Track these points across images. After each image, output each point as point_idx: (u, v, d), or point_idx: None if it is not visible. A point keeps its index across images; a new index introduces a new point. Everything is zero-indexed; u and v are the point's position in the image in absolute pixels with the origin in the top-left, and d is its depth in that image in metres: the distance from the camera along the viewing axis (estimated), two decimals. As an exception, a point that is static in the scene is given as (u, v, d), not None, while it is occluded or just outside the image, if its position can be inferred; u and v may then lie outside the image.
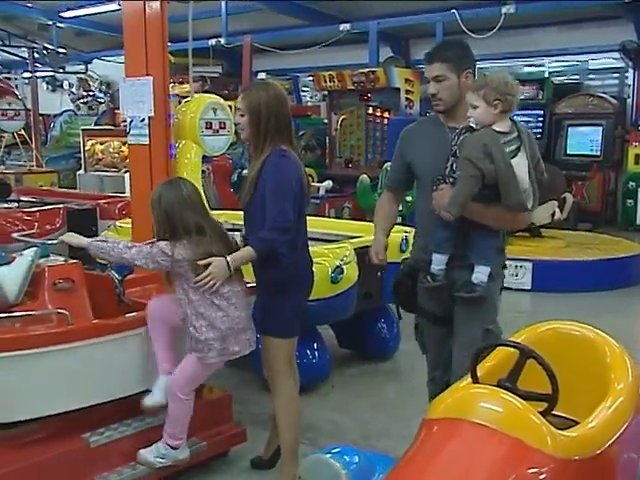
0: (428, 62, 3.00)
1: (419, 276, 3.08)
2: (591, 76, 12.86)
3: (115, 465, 3.22)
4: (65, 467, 3.09)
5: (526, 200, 2.76)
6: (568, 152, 10.96)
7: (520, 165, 2.73)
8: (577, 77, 12.89)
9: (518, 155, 2.74)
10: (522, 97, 10.51)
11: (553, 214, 8.13)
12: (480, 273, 2.87)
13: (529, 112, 10.98)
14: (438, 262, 2.92)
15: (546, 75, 12.51)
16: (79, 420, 3.18)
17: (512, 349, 2.22)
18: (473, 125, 2.80)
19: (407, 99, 9.45)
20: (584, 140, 10.95)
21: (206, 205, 3.22)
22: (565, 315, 2.86)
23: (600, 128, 10.77)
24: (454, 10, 9.88)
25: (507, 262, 8.13)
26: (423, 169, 3.03)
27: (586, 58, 12.66)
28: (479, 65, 12.68)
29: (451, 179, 2.84)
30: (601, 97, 11.08)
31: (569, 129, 11.00)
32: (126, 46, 4.71)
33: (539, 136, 10.88)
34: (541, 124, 11.06)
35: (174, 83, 12.78)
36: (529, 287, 7.37)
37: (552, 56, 12.56)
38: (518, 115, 9.45)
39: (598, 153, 10.78)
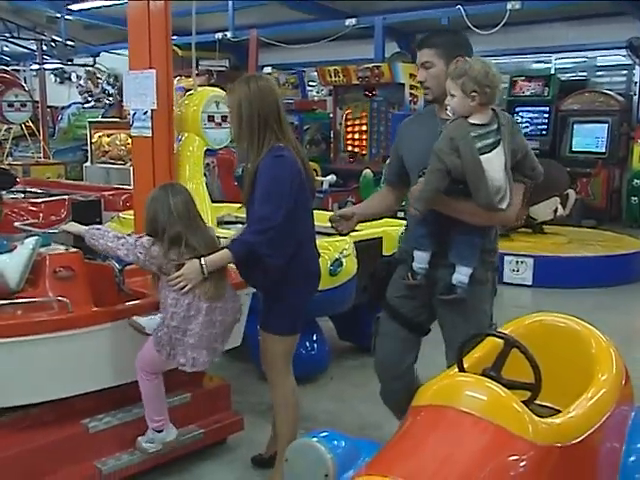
0: (418, 48, 2.88)
1: (398, 268, 2.98)
2: (599, 73, 12.86)
3: (114, 451, 3.28)
4: (64, 452, 3.14)
5: (498, 199, 2.57)
6: (573, 149, 10.94)
7: (493, 161, 2.54)
8: (585, 74, 12.88)
9: (494, 151, 2.55)
10: (528, 93, 10.55)
11: (555, 210, 8.15)
12: (459, 274, 2.71)
13: (535, 108, 11.00)
14: (419, 259, 2.79)
15: (552, 72, 12.51)
16: (79, 406, 3.25)
17: (499, 340, 2.27)
18: (450, 114, 2.67)
19: (411, 94, 9.48)
20: (589, 137, 10.94)
21: (199, 215, 3.10)
22: (565, 310, 2.81)
23: (605, 125, 10.76)
24: (459, 6, 9.89)
25: (508, 257, 8.12)
26: (411, 162, 2.91)
27: (594, 55, 12.66)
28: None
29: None
30: (607, 94, 11.07)
31: (574, 126, 10.99)
32: (130, 39, 4.77)
33: (544, 132, 10.90)
34: (546, 120, 11.06)
35: (181, 76, 12.86)
36: (530, 283, 7.40)
37: (558, 52, 12.55)
38: (524, 111, 9.42)
39: (603, 150, 10.77)
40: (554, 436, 1.98)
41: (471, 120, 2.57)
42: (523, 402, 2.06)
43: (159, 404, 3.24)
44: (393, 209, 3.41)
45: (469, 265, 2.69)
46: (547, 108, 11.01)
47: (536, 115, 11.08)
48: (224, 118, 5.12)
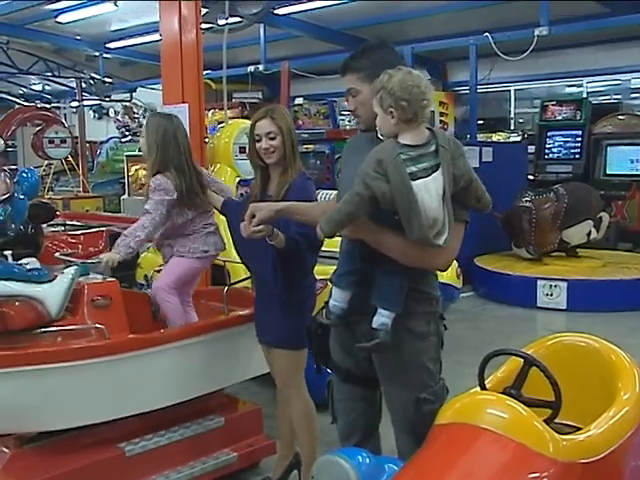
0: (341, 74, 2.52)
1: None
2: (633, 95, 12.79)
3: (149, 474, 3.37)
4: (101, 475, 3.25)
5: (434, 234, 2.19)
6: (607, 172, 10.88)
7: (429, 189, 2.16)
8: (619, 97, 12.82)
9: (430, 176, 2.18)
10: (559, 118, 10.57)
11: (589, 234, 8.11)
12: (380, 316, 2.32)
13: (567, 132, 10.98)
14: (337, 298, 2.42)
15: (584, 95, 12.48)
16: (116, 430, 3.35)
17: (520, 360, 2.31)
18: (380, 136, 2.32)
19: (441, 122, 9.56)
20: (624, 159, 10.86)
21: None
22: (599, 335, 2.71)
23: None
24: (487, 33, 9.97)
25: (541, 282, 7.70)
26: (341, 191, 2.51)
27: (628, 77, 12.61)
28: (518, 86, 12.64)
29: None
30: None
31: (608, 149, 10.93)
32: (163, 75, 4.95)
33: (577, 156, 10.86)
34: (579, 144, 11.01)
35: (214, 109, 13.14)
36: (564, 307, 7.36)
37: (589, 76, 12.53)
38: (557, 136, 9.38)
39: (638, 172, 10.68)
40: (575, 453, 2.01)
41: (401, 141, 2.22)
42: (544, 420, 2.09)
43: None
44: None
45: (391, 309, 2.32)
46: (580, 132, 10.97)
47: (569, 139, 11.05)
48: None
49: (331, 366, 2.69)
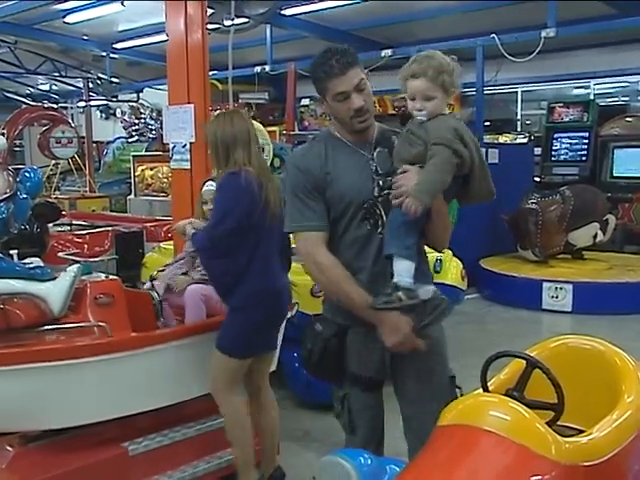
0: (341, 72, 2.40)
1: (348, 333, 2.53)
2: (641, 97, 12.74)
3: (152, 473, 3.37)
4: (105, 474, 3.26)
5: None
6: (614, 174, 10.83)
7: None
8: (627, 99, 12.76)
9: None
10: (566, 120, 10.50)
11: (595, 236, 8.08)
12: (402, 268, 2.27)
13: (574, 134, 10.93)
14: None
15: (591, 97, 12.43)
16: (119, 429, 3.35)
17: (523, 362, 2.30)
18: (423, 118, 2.35)
19: (448, 123, 9.54)
20: (631, 162, 10.82)
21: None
22: (605, 337, 2.70)
23: (647, 149, 10.63)
24: (494, 35, 9.95)
25: (547, 284, 7.62)
26: (351, 195, 2.47)
27: (636, 79, 12.55)
28: (525, 88, 12.61)
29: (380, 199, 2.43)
30: (647, 118, 10.96)
31: (615, 151, 10.89)
32: (169, 75, 4.95)
33: (584, 158, 10.82)
34: (586, 146, 10.97)
35: (220, 109, 13.14)
36: (569, 309, 7.33)
37: (596, 78, 12.49)
38: (563, 137, 9.39)
39: (646, 175, 10.63)
40: (578, 455, 2.00)
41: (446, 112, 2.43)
42: (547, 422, 2.08)
43: None
44: None
45: (411, 260, 2.30)
46: (586, 134, 10.93)
47: (575, 141, 11.01)
48: (259, 149, 5.25)
49: (350, 381, 2.58)
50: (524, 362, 2.29)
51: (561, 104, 11.22)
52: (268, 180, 3.28)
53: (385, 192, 2.42)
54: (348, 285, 2.41)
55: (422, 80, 2.34)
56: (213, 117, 3.43)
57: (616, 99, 13.26)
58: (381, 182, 2.44)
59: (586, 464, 2.01)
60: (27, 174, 3.49)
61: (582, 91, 13.46)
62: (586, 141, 10.94)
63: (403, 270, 2.28)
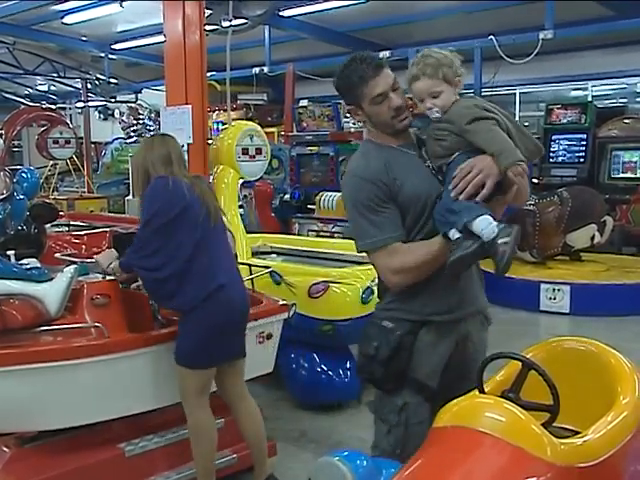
0: (375, 74, 2.39)
1: (419, 334, 2.47)
2: (639, 99, 12.74)
3: (148, 474, 3.38)
4: (101, 475, 3.27)
5: None
6: (612, 175, 10.85)
7: None
8: (625, 100, 12.77)
9: None
10: (564, 121, 10.47)
11: (593, 237, 8.09)
12: (482, 220, 2.22)
13: (572, 136, 10.94)
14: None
15: (589, 99, 12.45)
16: (116, 430, 3.36)
17: (519, 364, 2.30)
18: (438, 115, 2.37)
19: (446, 124, 9.56)
20: (629, 163, 10.83)
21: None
22: (603, 339, 2.69)
23: (645, 151, 10.64)
24: (492, 36, 9.97)
25: (544, 285, 7.61)
26: (419, 195, 2.43)
27: (634, 81, 12.57)
28: (523, 90, 12.61)
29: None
30: (644, 120, 10.97)
31: (613, 152, 10.90)
32: (167, 76, 4.97)
33: (582, 160, 10.83)
34: (584, 148, 10.98)
35: (219, 110, 13.17)
36: (567, 311, 7.34)
37: (594, 80, 12.50)
38: (561, 139, 9.38)
39: (644, 177, 10.64)
40: (573, 457, 2.00)
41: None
42: (542, 424, 2.08)
43: None
44: None
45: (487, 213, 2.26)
46: (584, 135, 10.93)
47: (573, 143, 11.01)
48: (258, 151, 5.28)
49: (409, 387, 2.48)
50: (520, 363, 2.29)
51: (559, 106, 11.22)
52: (200, 182, 3.36)
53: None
54: (424, 247, 2.38)
55: (423, 80, 2.36)
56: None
57: (614, 101, 13.28)
58: (440, 177, 2.42)
59: (581, 465, 2.01)
60: (24, 175, 3.49)
61: (580, 93, 13.48)
62: (584, 143, 10.95)
63: (485, 225, 2.23)
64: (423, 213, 2.43)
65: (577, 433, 2.27)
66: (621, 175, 10.68)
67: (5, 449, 3.20)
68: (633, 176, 10.63)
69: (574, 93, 13.70)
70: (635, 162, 10.67)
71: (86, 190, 12.49)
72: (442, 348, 2.48)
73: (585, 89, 13.25)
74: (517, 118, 14.46)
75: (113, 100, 15.20)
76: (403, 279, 2.43)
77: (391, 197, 2.40)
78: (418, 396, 2.48)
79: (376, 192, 2.39)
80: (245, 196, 9.31)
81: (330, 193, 9.18)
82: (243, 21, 8.04)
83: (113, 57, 15.78)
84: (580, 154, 10.92)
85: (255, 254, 5.60)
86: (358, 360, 2.56)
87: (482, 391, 2.27)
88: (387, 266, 2.43)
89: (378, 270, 2.51)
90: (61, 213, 7.64)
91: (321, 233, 8.87)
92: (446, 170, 2.36)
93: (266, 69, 12.97)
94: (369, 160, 2.47)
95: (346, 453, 2.10)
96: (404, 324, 2.45)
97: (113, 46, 15.36)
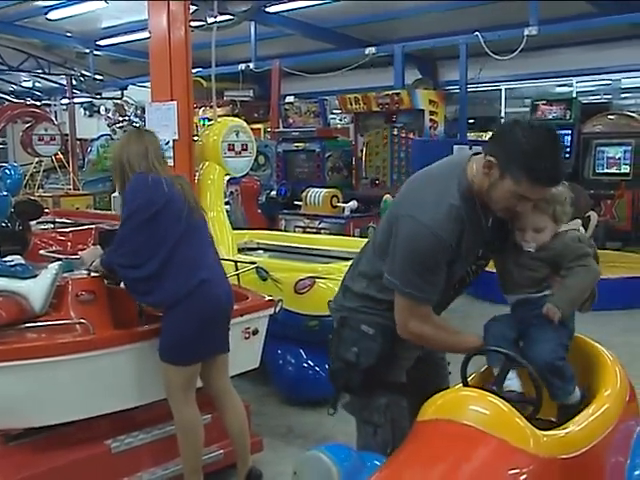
0: (551, 185, 2.29)
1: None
2: (624, 95, 12.84)
3: (134, 471, 3.37)
4: (87, 472, 3.25)
5: None
6: (597, 171, 10.92)
7: None
8: (609, 96, 12.86)
9: None
10: (550, 117, 10.55)
11: (577, 233, 8.13)
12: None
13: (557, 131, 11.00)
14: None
15: (574, 95, 12.53)
16: (101, 427, 3.35)
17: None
18: (531, 249, 2.37)
19: (431, 120, 9.56)
20: (613, 159, 10.91)
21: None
22: (588, 334, 2.73)
23: (629, 147, 10.72)
24: (477, 33, 10.00)
25: None
26: (468, 252, 2.41)
27: (618, 77, 12.66)
28: (508, 86, 12.65)
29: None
30: (629, 116, 11.03)
31: (597, 148, 10.98)
32: (152, 72, 4.95)
33: (567, 156, 10.89)
34: (569, 144, 11.05)
35: (205, 106, 13.12)
36: (552, 305, 7.37)
37: (579, 76, 12.58)
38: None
39: (627, 171, 10.72)
40: (555, 448, 2.02)
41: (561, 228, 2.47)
42: (526, 417, 2.11)
43: None
44: None
45: None
46: (569, 131, 11.00)
47: (558, 138, 11.10)
48: (244, 147, 5.27)
49: (387, 387, 2.53)
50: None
51: (544, 102, 11.28)
52: (179, 179, 3.36)
53: (481, 262, 2.50)
54: (452, 339, 2.44)
55: (533, 213, 2.33)
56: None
57: (598, 97, 13.38)
58: (481, 251, 2.45)
59: (564, 457, 2.04)
60: (7, 171, 3.48)
61: (565, 89, 13.57)
62: (569, 138, 11.02)
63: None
64: (451, 280, 2.44)
65: (557, 424, 2.30)
66: (605, 170, 10.77)
67: (-10, 447, 3.19)
68: (617, 171, 10.71)
69: (559, 89, 13.79)
70: (619, 158, 10.77)
71: (72, 187, 12.41)
72: (415, 350, 2.54)
73: (570, 85, 13.32)
74: (503, 114, 14.57)
75: (98, 96, 15.12)
76: (412, 339, 2.42)
77: (448, 263, 2.33)
78: (395, 395, 2.52)
79: (440, 254, 2.29)
80: (231, 192, 9.30)
81: (316, 189, 9.19)
82: (228, 17, 8.03)
83: (98, 53, 15.70)
84: (565, 150, 10.99)
85: (241, 250, 5.61)
86: (333, 364, 2.52)
87: (466, 384, 2.29)
88: (409, 321, 2.37)
89: (398, 312, 2.39)
90: (46, 210, 7.61)
91: (307, 229, 8.88)
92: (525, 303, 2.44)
93: (252, 65, 12.93)
94: (449, 215, 2.28)
95: (331, 447, 2.11)
96: (384, 330, 2.43)
97: (98, 42, 15.27)
